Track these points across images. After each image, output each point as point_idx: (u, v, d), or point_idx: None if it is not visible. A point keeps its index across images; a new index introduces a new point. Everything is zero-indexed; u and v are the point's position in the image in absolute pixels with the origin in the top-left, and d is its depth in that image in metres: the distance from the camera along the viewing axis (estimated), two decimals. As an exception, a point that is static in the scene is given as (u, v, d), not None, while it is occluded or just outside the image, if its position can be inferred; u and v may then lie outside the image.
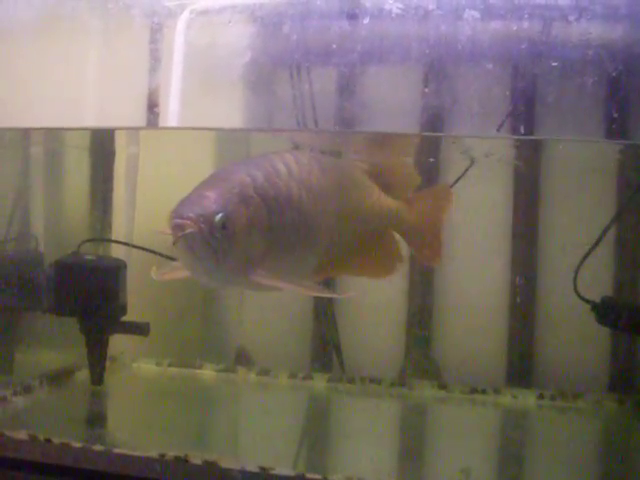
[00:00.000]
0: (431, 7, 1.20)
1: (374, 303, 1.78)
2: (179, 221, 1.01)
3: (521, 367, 1.73)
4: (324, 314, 1.79)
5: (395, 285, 1.77)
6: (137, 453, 1.17)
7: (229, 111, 1.74)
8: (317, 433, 1.47)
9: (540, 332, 1.76)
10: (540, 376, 1.73)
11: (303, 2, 1.47)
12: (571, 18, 1.20)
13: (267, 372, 1.72)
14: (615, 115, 1.29)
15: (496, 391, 1.62)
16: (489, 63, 1.23)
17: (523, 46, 1.22)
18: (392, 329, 1.80)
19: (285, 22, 1.51)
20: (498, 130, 1.54)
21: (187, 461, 1.14)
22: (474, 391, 1.62)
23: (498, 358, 1.75)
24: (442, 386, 1.64)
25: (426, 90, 1.54)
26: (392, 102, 1.61)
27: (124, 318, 1.56)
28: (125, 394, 1.63)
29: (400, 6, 1.20)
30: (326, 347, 1.79)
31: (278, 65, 1.64)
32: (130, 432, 1.37)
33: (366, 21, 1.24)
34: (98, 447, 1.19)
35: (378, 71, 1.58)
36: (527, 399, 1.61)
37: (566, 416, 1.58)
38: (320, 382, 1.68)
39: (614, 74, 1.23)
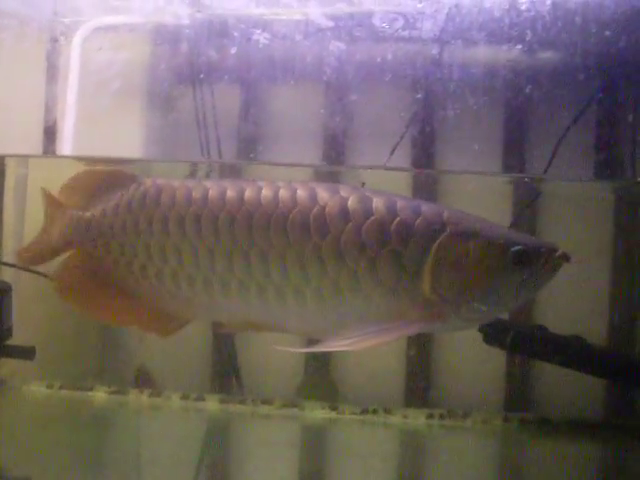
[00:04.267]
0: (298, 38, 1.22)
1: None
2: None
3: (417, 387, 1.76)
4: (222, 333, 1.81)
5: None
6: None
7: (128, 133, 1.75)
8: (203, 459, 1.48)
9: (437, 352, 1.80)
10: (437, 396, 1.77)
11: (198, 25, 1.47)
12: (434, 52, 1.23)
13: (159, 394, 1.72)
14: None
15: (387, 411, 1.65)
16: (354, 94, 1.26)
17: (387, 78, 1.25)
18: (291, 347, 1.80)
19: (181, 42, 1.52)
20: (391, 154, 1.57)
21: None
22: (365, 412, 1.65)
23: (396, 378, 1.78)
24: (333, 407, 1.66)
25: (322, 111, 1.57)
26: (291, 124, 1.64)
27: (10, 341, 1.54)
28: (7, 419, 1.61)
29: (267, 36, 1.22)
30: (225, 367, 1.80)
31: (177, 85, 1.65)
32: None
33: (233, 51, 1.25)
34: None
35: (277, 94, 1.61)
36: (417, 419, 1.64)
37: (453, 435, 1.61)
38: (213, 403, 1.69)
39: (476, 108, 1.26)
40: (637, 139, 1.58)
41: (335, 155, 1.64)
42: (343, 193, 1.03)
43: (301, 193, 1.03)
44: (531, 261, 0.99)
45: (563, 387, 1.71)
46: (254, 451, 1.55)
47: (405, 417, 1.69)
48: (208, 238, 1.08)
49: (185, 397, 1.74)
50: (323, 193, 1.03)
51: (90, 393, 1.76)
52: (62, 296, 1.20)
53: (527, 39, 1.19)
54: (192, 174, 1.79)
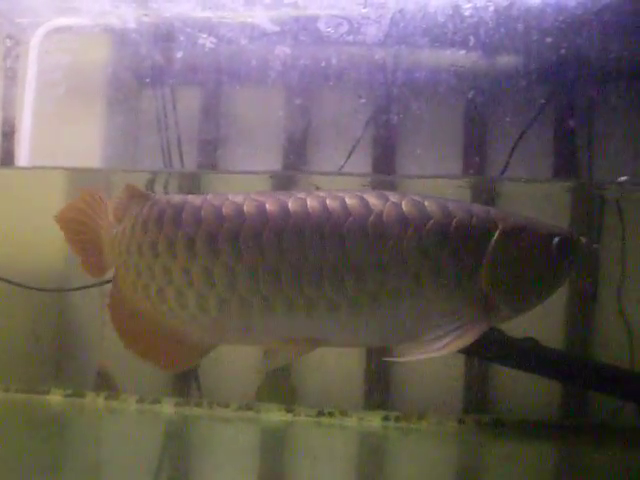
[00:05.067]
0: (243, 42, 1.23)
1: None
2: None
3: (376, 389, 1.77)
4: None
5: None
6: None
7: (87, 141, 1.75)
8: (160, 463, 1.48)
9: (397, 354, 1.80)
10: (396, 398, 1.78)
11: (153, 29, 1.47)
12: (378, 57, 1.24)
13: (116, 397, 1.72)
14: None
15: (342, 414, 1.66)
16: (298, 98, 1.26)
17: (331, 83, 1.26)
18: (250, 351, 1.81)
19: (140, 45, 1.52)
20: (347, 158, 1.58)
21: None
22: (321, 414, 1.65)
23: (355, 380, 1.79)
24: (289, 409, 1.67)
25: (280, 113, 1.58)
26: (251, 128, 1.65)
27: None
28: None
29: (213, 40, 1.22)
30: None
31: (135, 89, 1.65)
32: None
33: (179, 55, 1.26)
34: None
35: (238, 94, 1.61)
36: (373, 421, 1.65)
37: (408, 437, 1.62)
38: (169, 406, 1.69)
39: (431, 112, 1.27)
40: (592, 141, 1.60)
41: (295, 159, 1.65)
42: (393, 199, 1.03)
43: (351, 202, 1.01)
44: (570, 249, 1.04)
45: (520, 389, 1.72)
46: (211, 454, 1.55)
47: (361, 419, 1.70)
48: (249, 256, 1.01)
49: (141, 400, 1.74)
50: (374, 200, 1.01)
51: (46, 396, 1.75)
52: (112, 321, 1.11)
53: (470, 44, 1.20)
54: (150, 182, 1.79)
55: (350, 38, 1.23)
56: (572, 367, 1.67)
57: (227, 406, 1.74)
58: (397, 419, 1.70)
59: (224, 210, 1.03)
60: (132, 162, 1.74)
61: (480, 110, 1.30)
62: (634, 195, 1.59)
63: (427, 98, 1.28)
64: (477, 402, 1.77)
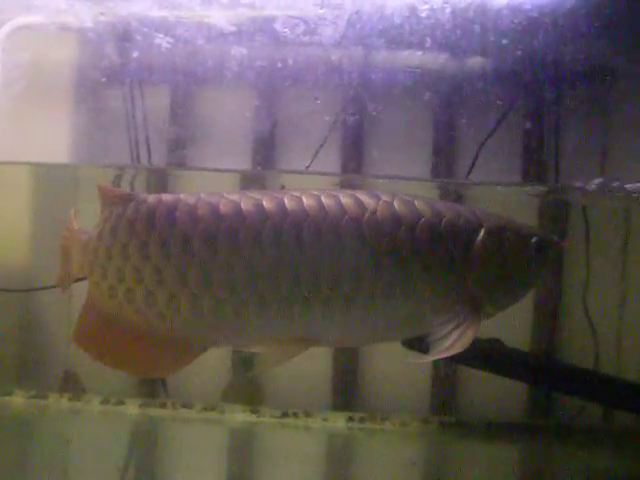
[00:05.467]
0: (200, 42, 1.22)
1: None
2: None
3: (342, 391, 1.77)
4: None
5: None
6: None
7: (53, 137, 1.73)
8: (125, 465, 1.47)
9: (364, 356, 1.80)
10: (364, 399, 1.77)
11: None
12: (334, 57, 1.23)
13: (79, 398, 1.71)
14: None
15: (307, 414, 1.65)
16: (257, 100, 1.26)
17: (287, 84, 1.26)
18: (216, 351, 1.80)
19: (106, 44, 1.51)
20: (313, 158, 1.58)
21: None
22: (285, 415, 1.65)
23: (323, 381, 1.78)
24: (254, 410, 1.66)
25: (247, 114, 1.57)
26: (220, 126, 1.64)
27: None
28: None
29: (170, 40, 1.21)
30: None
31: (103, 87, 1.64)
32: None
33: (135, 55, 1.25)
34: None
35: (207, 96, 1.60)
36: (337, 422, 1.65)
37: (372, 438, 1.62)
38: (133, 407, 1.68)
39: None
40: (559, 145, 1.60)
41: (262, 159, 1.64)
42: (384, 197, 1.03)
43: (346, 200, 1.02)
44: (546, 247, 1.07)
45: (485, 390, 1.72)
46: (175, 455, 1.55)
47: (325, 420, 1.69)
48: (249, 254, 1.00)
49: (105, 401, 1.73)
50: (367, 199, 1.02)
51: (8, 398, 1.74)
52: (78, 346, 1.05)
53: (426, 46, 1.20)
54: (118, 178, 1.78)
55: (307, 39, 1.23)
56: (537, 368, 1.67)
57: (191, 407, 1.73)
58: (362, 420, 1.70)
59: (222, 208, 1.01)
60: (99, 158, 1.73)
61: (437, 111, 1.30)
62: (599, 201, 1.60)
63: (384, 99, 1.28)
64: (443, 403, 1.77)
